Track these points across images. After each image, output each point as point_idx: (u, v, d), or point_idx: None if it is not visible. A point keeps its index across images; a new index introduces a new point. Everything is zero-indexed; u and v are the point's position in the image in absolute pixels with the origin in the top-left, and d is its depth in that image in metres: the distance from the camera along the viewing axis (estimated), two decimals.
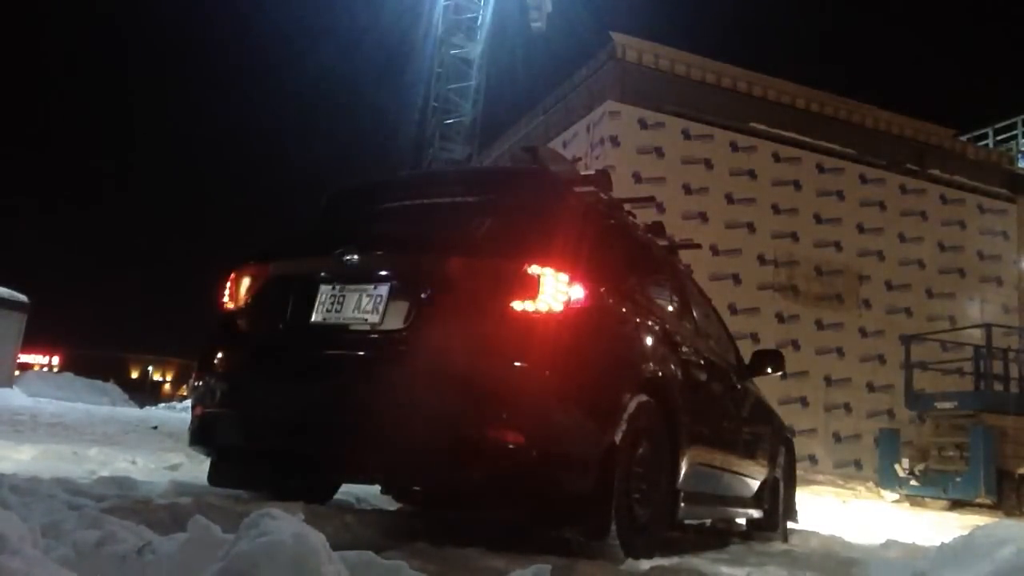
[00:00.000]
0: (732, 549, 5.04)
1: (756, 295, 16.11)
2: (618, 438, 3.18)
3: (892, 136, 18.40)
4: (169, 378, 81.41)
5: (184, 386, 58.22)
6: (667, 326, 4.00)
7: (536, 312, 2.96)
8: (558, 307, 2.99)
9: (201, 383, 3.69)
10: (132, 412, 21.07)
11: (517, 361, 2.96)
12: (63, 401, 21.88)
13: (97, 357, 66.36)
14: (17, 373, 23.72)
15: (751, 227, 16.34)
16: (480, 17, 35.39)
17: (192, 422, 3.73)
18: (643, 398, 3.38)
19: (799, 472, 7.13)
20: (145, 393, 47.64)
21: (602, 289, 3.37)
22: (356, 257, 3.27)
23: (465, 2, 35.27)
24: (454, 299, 3.09)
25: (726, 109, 16.74)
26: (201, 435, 3.74)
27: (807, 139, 17.26)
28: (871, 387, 16.63)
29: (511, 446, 2.92)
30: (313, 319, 3.33)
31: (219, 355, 3.68)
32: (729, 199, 16.28)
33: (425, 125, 35.68)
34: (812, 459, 15.70)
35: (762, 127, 16.88)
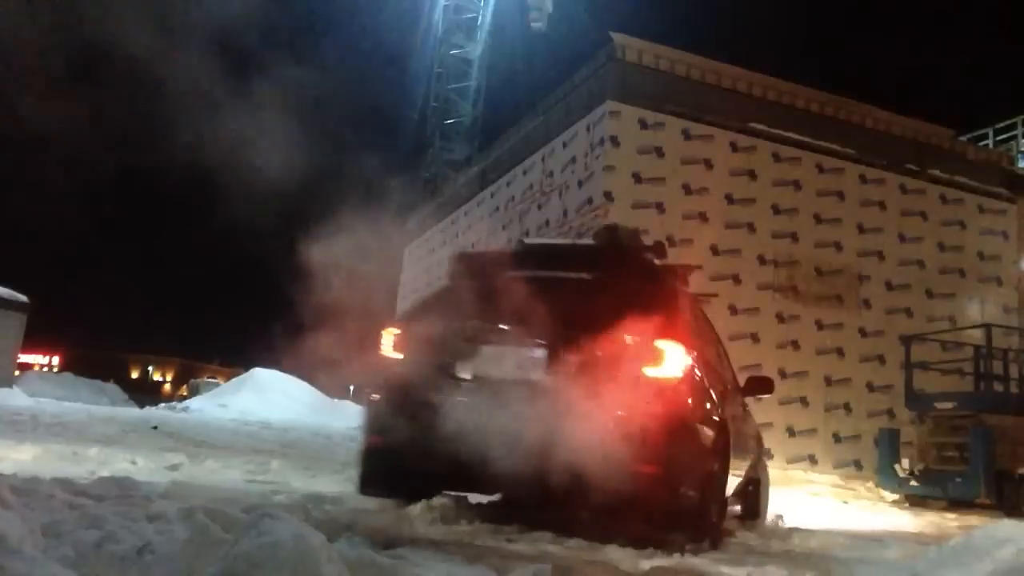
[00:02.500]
0: (732, 547, 5.05)
1: (756, 295, 16.11)
2: (714, 467, 4.40)
3: (892, 136, 18.40)
4: (169, 378, 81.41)
5: (184, 386, 58.18)
6: (722, 372, 5.42)
7: (663, 376, 4.05)
8: (679, 372, 4.12)
9: (376, 417, 4.54)
10: (132, 412, 21.07)
11: (651, 413, 3.93)
12: (63, 401, 21.89)
13: (97, 357, 66.36)
14: (17, 373, 23.72)
15: (751, 227, 16.34)
16: (480, 17, 35.47)
17: (369, 449, 4.64)
18: (723, 434, 4.51)
19: (800, 472, 7.85)
20: (145, 393, 47.63)
21: (695, 353, 4.35)
22: (512, 327, 4.13)
23: (465, 2, 35.34)
24: (599, 364, 4.01)
25: (726, 109, 16.73)
26: (377, 459, 4.62)
27: (807, 139, 17.25)
28: (871, 387, 16.63)
29: (649, 475, 3.97)
30: (480, 373, 4.23)
31: (397, 396, 4.44)
32: (729, 199, 16.28)
33: (425, 125, 35.78)
34: (812, 459, 15.71)
35: (762, 127, 16.88)
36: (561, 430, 3.78)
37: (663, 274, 4.93)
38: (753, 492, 6.47)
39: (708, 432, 4.31)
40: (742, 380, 6.83)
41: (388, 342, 4.62)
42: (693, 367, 4.25)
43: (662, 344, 4.09)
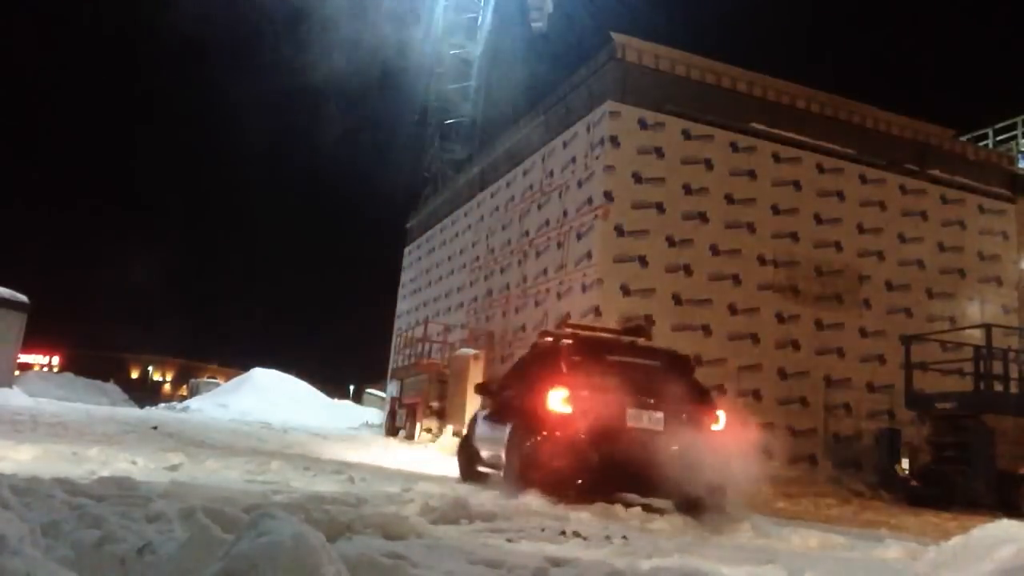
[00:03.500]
0: (736, 543, 5.05)
1: (756, 295, 16.11)
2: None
3: (892, 136, 18.40)
4: (169, 378, 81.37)
5: (184, 386, 58.15)
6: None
7: (718, 429, 6.96)
8: (721, 426, 7.03)
9: (558, 447, 6.56)
10: (132, 412, 21.07)
11: (716, 450, 6.50)
12: (63, 401, 21.90)
13: (97, 357, 66.33)
14: (17, 373, 23.71)
15: (751, 227, 16.34)
16: (480, 17, 35.44)
17: (554, 469, 6.54)
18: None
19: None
20: (145, 393, 47.62)
21: (726, 413, 7.26)
22: (645, 399, 6.85)
23: (465, 2, 35.31)
24: (691, 423, 6.89)
25: (726, 109, 16.74)
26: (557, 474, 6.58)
27: (807, 139, 17.26)
28: (871, 387, 16.63)
29: (715, 483, 6.54)
30: (628, 423, 6.74)
31: (572, 435, 6.58)
32: (729, 199, 16.28)
33: (425, 125, 35.75)
34: (812, 459, 15.70)
35: (762, 127, 16.88)
36: (674, 457, 6.46)
37: (687, 364, 8.02)
38: None
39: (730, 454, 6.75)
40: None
41: (556, 399, 6.77)
42: (726, 422, 7.19)
43: (719, 411, 7.24)
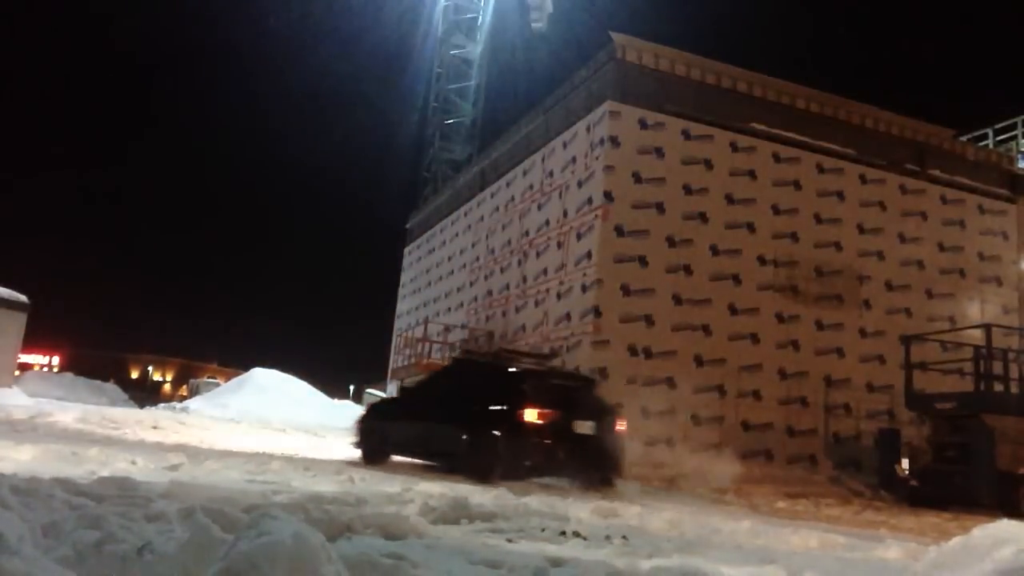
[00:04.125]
0: (736, 543, 5.05)
1: (756, 295, 16.11)
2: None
3: (892, 136, 18.40)
4: (169, 378, 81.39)
5: (184, 386, 58.13)
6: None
7: (621, 430, 9.65)
8: (623, 429, 9.79)
9: (537, 447, 8.84)
10: (132, 412, 21.06)
11: (621, 445, 9.49)
12: (63, 401, 21.89)
13: (97, 357, 66.34)
14: (17, 373, 23.71)
15: (751, 227, 16.34)
16: (480, 17, 35.47)
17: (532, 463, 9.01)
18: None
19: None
20: (145, 393, 47.62)
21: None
22: (582, 412, 9.28)
23: (465, 2, 35.32)
24: (608, 427, 9.40)
25: (726, 109, 16.73)
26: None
27: (807, 139, 17.25)
28: (871, 387, 16.62)
29: (619, 467, 9.56)
30: (576, 431, 9.06)
31: (539, 437, 8.86)
32: (729, 199, 16.27)
33: (425, 125, 35.78)
34: (812, 459, 15.70)
35: (762, 127, 16.88)
36: (601, 451, 9.14)
37: (595, 384, 11.04)
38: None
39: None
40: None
41: (532, 415, 8.90)
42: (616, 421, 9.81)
43: (621, 417, 9.95)
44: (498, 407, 9.02)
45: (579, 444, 8.86)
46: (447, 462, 9.31)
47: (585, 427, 9.02)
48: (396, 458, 10.25)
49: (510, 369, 9.76)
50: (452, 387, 10.18)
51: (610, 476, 9.16)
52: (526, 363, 10.25)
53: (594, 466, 8.97)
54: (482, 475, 8.33)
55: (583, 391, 9.89)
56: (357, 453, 10.50)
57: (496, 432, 8.76)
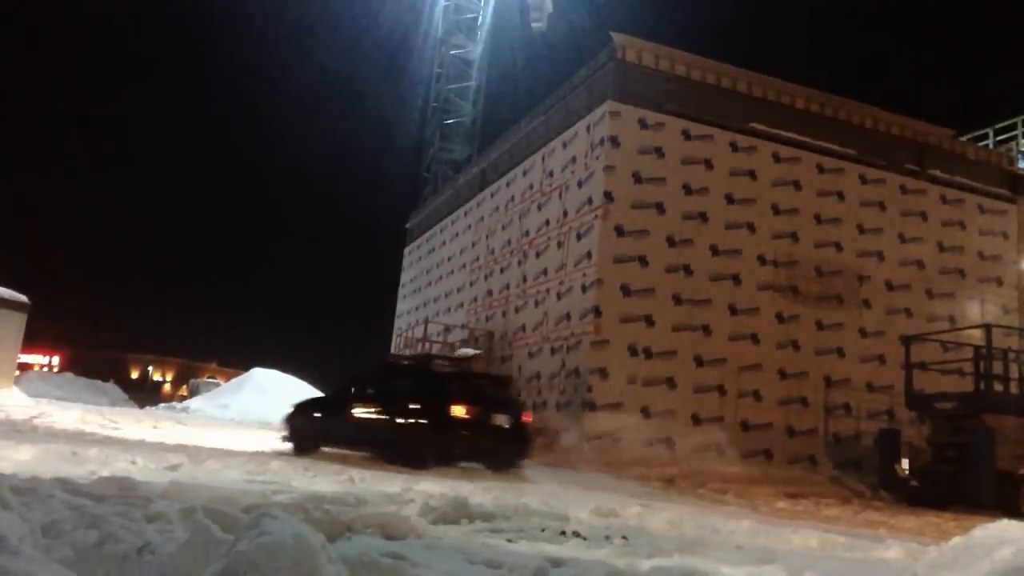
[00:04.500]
0: (736, 543, 5.05)
1: (756, 295, 16.11)
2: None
3: (892, 136, 18.40)
4: (169, 378, 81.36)
5: (184, 386, 58.13)
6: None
7: (527, 422, 11.10)
8: (529, 420, 11.41)
9: (462, 438, 10.09)
10: (132, 412, 21.07)
11: (529, 435, 11.05)
12: (63, 401, 21.89)
13: (97, 357, 66.33)
14: (17, 373, 23.70)
15: (751, 227, 16.34)
16: (480, 17, 35.47)
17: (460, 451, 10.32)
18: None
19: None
20: (145, 393, 47.62)
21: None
22: (499, 406, 10.64)
23: (465, 2, 35.32)
24: (518, 420, 10.74)
25: (726, 109, 16.74)
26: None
27: (807, 139, 17.26)
28: (871, 387, 16.63)
29: (526, 453, 11.03)
30: (493, 422, 10.41)
31: (463, 429, 10.15)
32: (729, 199, 16.28)
33: (425, 125, 35.80)
34: (812, 460, 15.71)
35: (762, 127, 16.88)
36: (513, 439, 10.50)
37: (509, 381, 13.07)
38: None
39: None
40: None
41: (460, 410, 10.11)
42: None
43: (527, 413, 11.58)
44: (429, 404, 10.19)
45: (496, 434, 10.27)
46: (382, 452, 10.20)
47: (501, 420, 10.37)
48: (326, 449, 11.21)
49: (440, 372, 11.35)
50: (384, 387, 11.24)
51: (519, 460, 10.63)
52: (448, 366, 11.90)
53: (508, 452, 10.38)
54: (415, 462, 9.43)
55: (499, 389, 11.52)
56: (287, 446, 11.38)
57: (427, 425, 10.00)
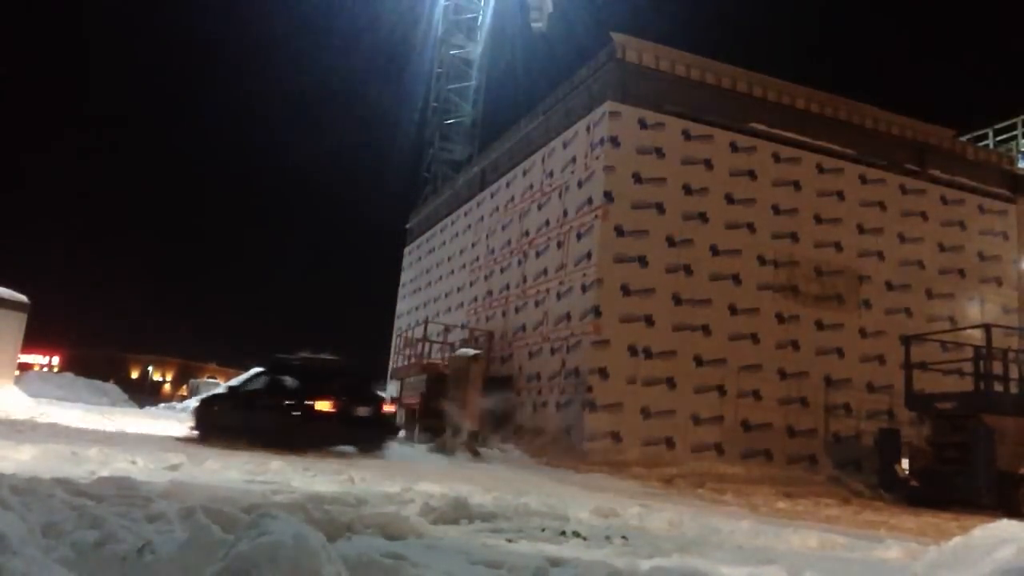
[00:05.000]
0: (736, 543, 5.05)
1: (756, 295, 16.11)
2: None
3: (892, 136, 18.40)
4: (169, 378, 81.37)
5: (184, 386, 58.13)
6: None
7: (389, 408, 13.42)
8: (385, 410, 13.05)
9: (329, 426, 11.88)
10: (132, 412, 21.07)
11: (389, 416, 13.27)
12: (63, 401, 21.89)
13: (97, 357, 66.33)
14: (17, 373, 23.70)
15: (751, 227, 16.34)
16: (480, 17, 35.45)
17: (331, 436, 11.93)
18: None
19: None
20: (145, 393, 47.61)
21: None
22: (361, 399, 12.54)
23: (465, 2, 35.31)
24: (380, 409, 12.82)
25: (726, 109, 16.74)
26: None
27: (807, 139, 17.25)
28: (871, 387, 16.63)
29: (384, 438, 12.63)
30: (357, 413, 12.28)
31: (331, 419, 12.00)
32: (729, 199, 16.28)
33: (425, 125, 35.78)
34: (812, 460, 15.70)
35: (762, 127, 16.88)
36: (382, 426, 12.73)
37: (370, 377, 14.96)
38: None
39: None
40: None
41: (326, 404, 11.86)
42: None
43: (385, 402, 13.38)
44: (300, 399, 11.86)
45: (358, 423, 11.94)
46: (266, 439, 11.30)
47: (363, 411, 12.15)
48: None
49: (311, 371, 12.77)
50: (270, 384, 12.84)
51: (382, 444, 12.21)
52: (323, 365, 13.33)
53: (371, 437, 12.10)
54: (291, 447, 10.81)
55: (362, 385, 13.23)
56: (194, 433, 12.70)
57: (299, 417, 11.64)
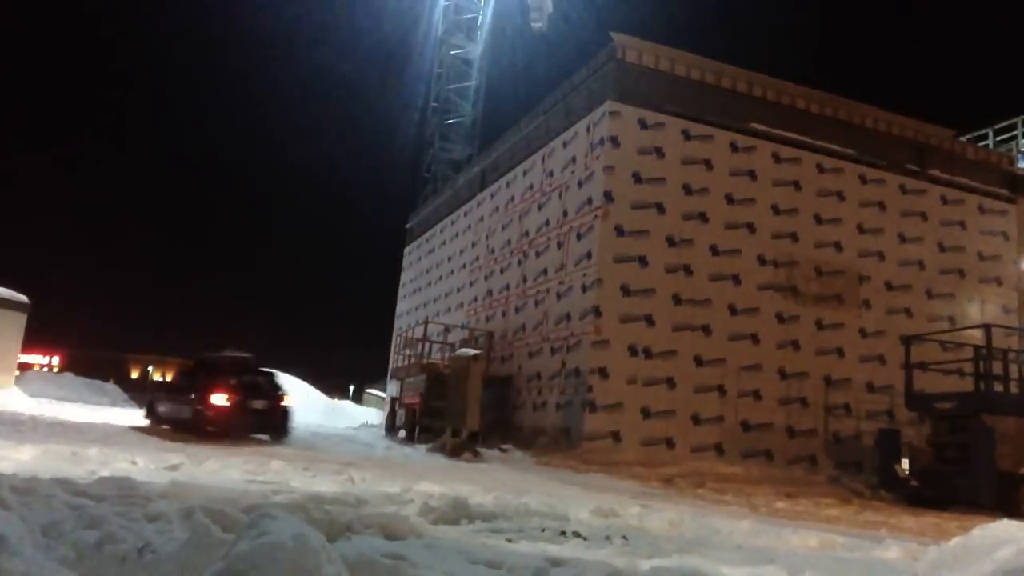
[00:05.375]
0: (736, 543, 5.05)
1: (756, 295, 16.11)
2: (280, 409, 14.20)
3: (892, 136, 18.40)
4: (169, 378, 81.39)
5: None
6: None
7: (283, 405, 14.00)
8: (283, 403, 14.10)
9: (230, 415, 13.33)
10: (129, 410, 21.05)
11: (283, 412, 14.03)
12: (63, 401, 21.90)
13: (97, 357, 66.33)
14: (17, 373, 23.69)
15: (751, 227, 16.34)
16: (480, 17, 35.46)
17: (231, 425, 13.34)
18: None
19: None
20: (145, 393, 47.54)
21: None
22: (259, 393, 13.91)
23: (465, 2, 35.32)
24: (275, 403, 14.03)
25: (726, 109, 16.74)
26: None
27: (807, 139, 17.25)
28: (871, 387, 16.63)
29: (285, 425, 14.11)
30: (252, 406, 13.65)
31: (227, 411, 13.40)
32: (729, 199, 16.28)
33: (425, 125, 35.79)
34: (812, 460, 15.70)
35: (762, 127, 16.88)
36: (270, 416, 13.65)
37: (273, 375, 14.71)
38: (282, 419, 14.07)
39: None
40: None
41: (221, 398, 13.16)
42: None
43: (283, 397, 14.11)
44: (204, 394, 13.26)
45: (255, 414, 13.44)
46: (183, 427, 13.33)
47: (258, 404, 13.57)
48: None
49: (217, 369, 14.26)
50: (190, 379, 14.54)
51: (276, 433, 13.63)
52: (230, 364, 14.65)
53: (268, 427, 13.63)
54: (198, 434, 12.56)
55: (265, 382, 14.36)
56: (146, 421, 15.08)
57: (202, 409, 13.11)
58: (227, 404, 13.08)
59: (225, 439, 12.13)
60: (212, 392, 13.14)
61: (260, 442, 12.93)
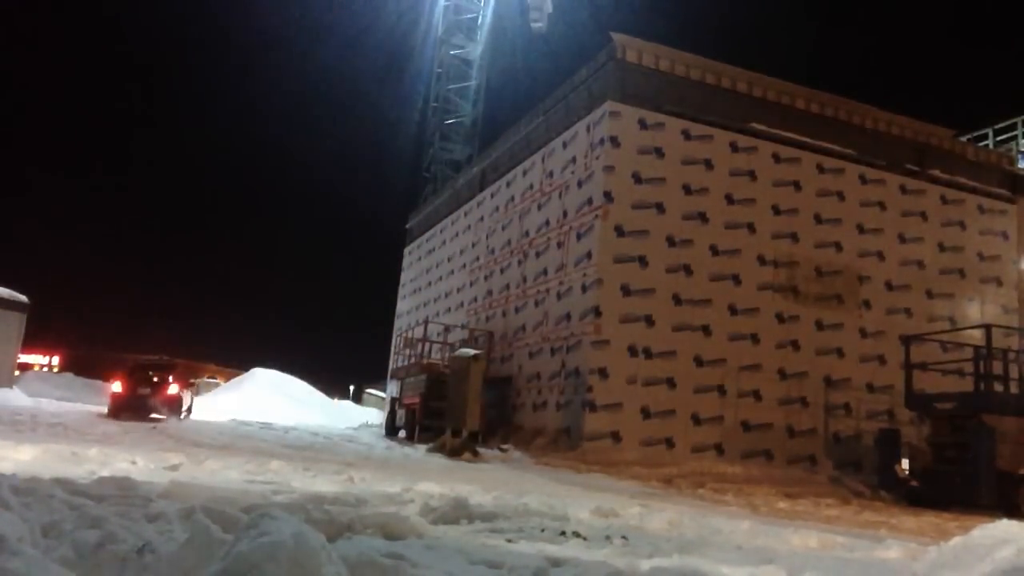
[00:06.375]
0: (736, 543, 5.04)
1: (756, 295, 16.11)
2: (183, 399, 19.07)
3: (892, 136, 18.40)
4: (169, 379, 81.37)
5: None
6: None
7: (171, 393, 18.21)
8: (172, 392, 18.36)
9: (125, 401, 18.01)
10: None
11: (172, 398, 18.15)
12: (63, 401, 21.90)
13: (97, 357, 66.28)
14: (17, 373, 23.71)
15: (751, 228, 16.34)
16: (480, 17, 35.46)
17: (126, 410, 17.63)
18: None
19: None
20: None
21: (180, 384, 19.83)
22: (147, 383, 18.76)
23: (465, 2, 35.31)
24: (161, 392, 18.37)
25: (726, 109, 16.74)
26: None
27: (807, 139, 17.25)
28: (871, 387, 16.63)
29: (177, 409, 18.34)
30: (138, 393, 18.36)
31: (124, 399, 18.23)
32: (729, 199, 16.28)
33: (425, 125, 35.80)
34: (812, 460, 15.70)
35: (762, 127, 16.88)
36: (161, 404, 17.66)
37: (170, 371, 19.52)
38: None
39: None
40: None
41: (119, 386, 18.14)
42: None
43: (171, 387, 18.38)
44: (115, 385, 17.88)
45: (142, 401, 17.22)
46: (128, 415, 16.81)
47: (144, 392, 17.45)
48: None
49: (131, 365, 19.05)
50: (125, 377, 18.34)
51: (167, 415, 17.02)
52: (145, 362, 20.07)
53: (156, 410, 17.07)
54: (110, 416, 16.63)
55: (162, 375, 18.45)
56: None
57: (112, 396, 17.58)
58: (121, 393, 17.38)
59: (132, 417, 16.10)
60: (113, 384, 18.12)
61: (260, 442, 12.72)
